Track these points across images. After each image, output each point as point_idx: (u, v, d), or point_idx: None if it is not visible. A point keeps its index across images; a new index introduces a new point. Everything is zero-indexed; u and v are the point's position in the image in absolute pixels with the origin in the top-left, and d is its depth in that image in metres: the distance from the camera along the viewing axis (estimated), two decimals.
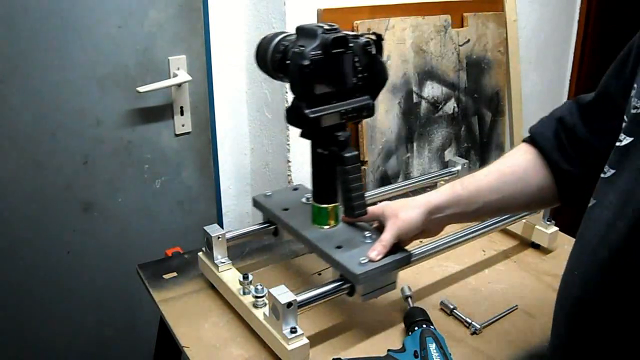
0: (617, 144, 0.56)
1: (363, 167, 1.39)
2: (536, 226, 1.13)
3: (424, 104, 1.49)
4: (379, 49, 0.87)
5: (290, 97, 1.31)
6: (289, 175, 1.38)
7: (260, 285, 0.87)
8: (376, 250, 0.84)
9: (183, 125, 1.42)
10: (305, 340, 0.80)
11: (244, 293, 0.90)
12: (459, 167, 1.30)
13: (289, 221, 0.98)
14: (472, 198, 0.82)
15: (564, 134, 0.76)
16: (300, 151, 1.38)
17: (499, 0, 1.66)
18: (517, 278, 1.06)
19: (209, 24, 1.37)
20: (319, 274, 1.06)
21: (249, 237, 1.05)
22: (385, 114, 1.41)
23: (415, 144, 1.50)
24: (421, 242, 0.96)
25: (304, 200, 1.03)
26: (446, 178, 1.29)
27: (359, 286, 0.84)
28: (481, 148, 1.69)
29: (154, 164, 1.41)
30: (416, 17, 1.44)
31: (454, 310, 0.94)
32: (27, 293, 1.33)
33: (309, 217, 0.97)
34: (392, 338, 0.89)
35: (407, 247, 0.89)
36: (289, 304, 0.79)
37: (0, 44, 1.15)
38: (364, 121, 1.36)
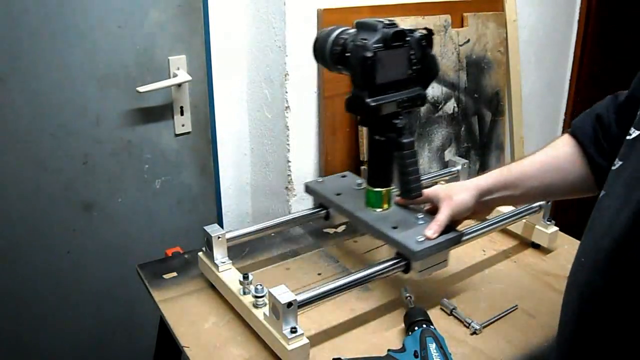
0: (627, 137, 0.58)
1: (363, 167, 1.39)
2: (536, 226, 1.13)
3: None
4: (430, 43, 0.93)
5: (290, 97, 1.32)
6: (289, 175, 1.38)
7: (260, 285, 0.87)
8: (432, 229, 0.89)
9: (183, 125, 1.42)
10: (305, 340, 0.80)
11: (244, 293, 0.90)
12: (459, 167, 1.30)
13: (343, 204, 1.04)
14: (517, 183, 0.88)
15: (601, 130, 0.80)
16: (300, 151, 1.38)
17: (499, 0, 1.66)
18: (517, 278, 1.06)
19: (209, 24, 1.37)
20: (319, 274, 1.06)
21: (249, 237, 1.05)
22: None
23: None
24: None
25: (354, 186, 1.10)
26: (446, 178, 1.29)
27: (416, 263, 0.89)
28: (481, 148, 1.69)
29: (154, 164, 1.41)
30: (416, 17, 1.44)
31: (454, 310, 0.94)
32: (27, 293, 1.33)
33: (362, 201, 1.03)
34: (392, 338, 0.89)
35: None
36: (289, 304, 0.79)
37: (1, 43, 1.15)
38: None
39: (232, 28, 1.40)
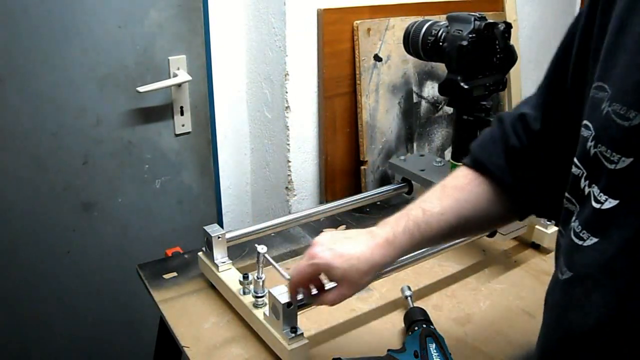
0: (595, 205, 0.49)
1: (363, 167, 1.39)
2: (536, 226, 1.13)
3: (424, 104, 1.49)
4: (510, 35, 1.04)
5: (290, 97, 1.32)
6: (289, 175, 1.38)
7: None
8: (335, 296, 0.75)
9: (183, 125, 1.42)
10: (305, 340, 0.80)
11: (244, 293, 0.90)
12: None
13: (430, 178, 1.17)
14: (427, 242, 0.75)
15: (514, 160, 0.72)
16: (300, 151, 1.38)
17: (499, 0, 1.66)
18: (517, 278, 1.06)
19: (209, 24, 1.37)
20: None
21: (249, 237, 1.05)
22: (385, 114, 1.41)
23: (415, 144, 1.49)
24: None
25: (435, 163, 1.25)
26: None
27: (503, 227, 1.02)
28: None
29: (154, 164, 1.41)
30: (416, 17, 1.44)
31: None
32: (27, 293, 1.33)
33: (444, 175, 1.13)
34: (392, 338, 0.89)
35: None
36: (289, 304, 0.79)
37: (0, 43, 1.15)
38: (364, 121, 1.36)
39: (232, 28, 1.40)
